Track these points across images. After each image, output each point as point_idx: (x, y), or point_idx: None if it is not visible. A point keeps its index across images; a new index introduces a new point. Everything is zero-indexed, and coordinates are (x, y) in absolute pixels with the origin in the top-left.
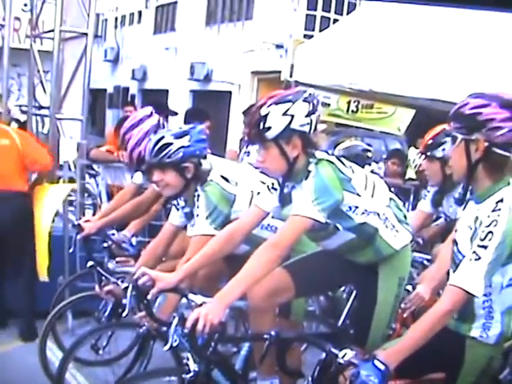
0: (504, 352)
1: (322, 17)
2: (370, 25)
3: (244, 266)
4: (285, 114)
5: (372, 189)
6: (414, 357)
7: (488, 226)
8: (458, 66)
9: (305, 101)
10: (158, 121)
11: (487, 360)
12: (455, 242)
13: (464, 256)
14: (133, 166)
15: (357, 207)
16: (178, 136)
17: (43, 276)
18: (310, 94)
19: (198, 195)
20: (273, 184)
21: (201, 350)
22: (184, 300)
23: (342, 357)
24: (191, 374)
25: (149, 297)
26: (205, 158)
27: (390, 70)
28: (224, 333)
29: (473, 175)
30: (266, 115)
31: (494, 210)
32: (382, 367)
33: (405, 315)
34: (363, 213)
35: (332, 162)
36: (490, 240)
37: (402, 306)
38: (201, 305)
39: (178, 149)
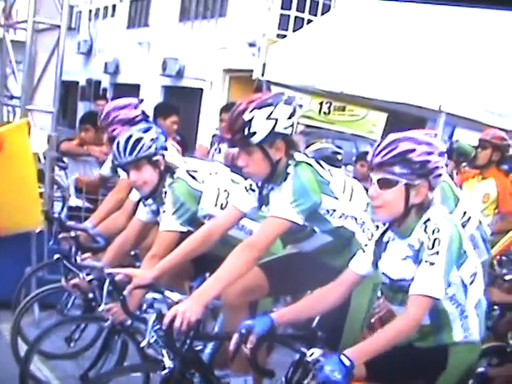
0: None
1: (296, 17)
2: (344, 27)
3: (221, 266)
4: (268, 117)
5: (350, 192)
6: (390, 363)
7: (433, 234)
8: (432, 70)
9: (286, 103)
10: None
11: (469, 365)
12: (385, 276)
13: (404, 280)
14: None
15: (334, 210)
16: (145, 130)
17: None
18: (289, 97)
19: (165, 192)
20: (251, 185)
21: (176, 347)
22: (150, 295)
23: (310, 355)
24: (166, 370)
25: (125, 292)
26: (166, 149)
27: (362, 72)
28: (199, 330)
29: (405, 218)
30: (250, 120)
31: (426, 226)
32: (348, 363)
33: (372, 320)
34: (340, 216)
35: (311, 165)
36: (439, 245)
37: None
38: (177, 302)
39: (150, 141)
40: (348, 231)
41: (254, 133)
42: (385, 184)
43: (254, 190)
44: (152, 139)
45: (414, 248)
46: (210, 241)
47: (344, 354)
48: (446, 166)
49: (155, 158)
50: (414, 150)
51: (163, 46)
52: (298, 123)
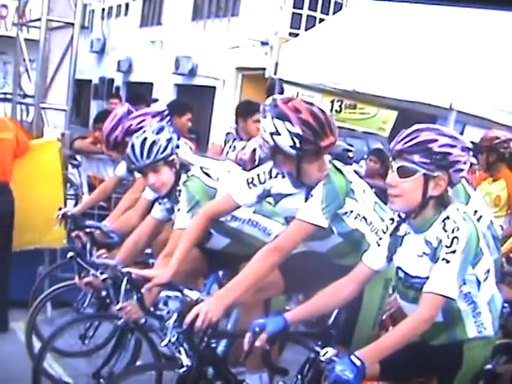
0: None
1: (308, 15)
2: (356, 25)
3: (245, 268)
4: None
5: (363, 193)
6: (404, 361)
7: (452, 233)
8: (443, 68)
9: None
10: (128, 107)
11: (483, 361)
12: (401, 270)
13: (418, 277)
14: (109, 149)
15: (352, 211)
16: (159, 131)
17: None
18: None
19: (180, 190)
20: (253, 179)
21: (195, 346)
22: (163, 293)
23: (324, 355)
24: (184, 368)
25: (143, 290)
26: (178, 147)
27: (373, 71)
28: (217, 328)
29: (422, 210)
30: None
31: (445, 224)
32: (358, 363)
33: (384, 317)
34: (356, 217)
35: (341, 171)
36: (456, 244)
37: None
38: (197, 300)
39: (166, 142)
40: (360, 233)
41: None
42: (404, 173)
43: (255, 186)
44: (167, 140)
45: (431, 245)
46: (208, 226)
47: (354, 354)
48: (471, 164)
49: (171, 158)
50: (435, 141)
51: (176, 45)
52: None
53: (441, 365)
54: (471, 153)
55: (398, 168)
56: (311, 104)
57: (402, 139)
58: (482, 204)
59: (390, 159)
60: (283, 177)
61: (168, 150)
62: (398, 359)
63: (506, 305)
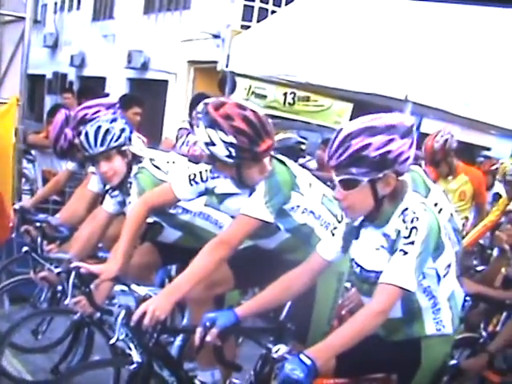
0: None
1: (260, 8)
2: (308, 16)
3: (192, 263)
4: None
5: (309, 187)
6: (360, 357)
7: (411, 223)
8: (398, 59)
9: None
10: (65, 113)
11: (443, 357)
12: (356, 263)
13: (373, 271)
14: (59, 157)
15: (298, 206)
16: (113, 120)
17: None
18: None
19: (131, 183)
20: (195, 176)
21: (144, 342)
22: (117, 287)
23: (276, 351)
24: (134, 365)
25: (92, 286)
26: (130, 140)
27: (327, 62)
28: (166, 325)
29: (378, 210)
30: None
31: (405, 216)
32: (309, 362)
33: (343, 312)
34: (303, 212)
35: (284, 163)
36: (415, 235)
37: (339, 302)
38: (144, 296)
39: (119, 131)
40: (308, 227)
41: None
42: (347, 185)
43: (197, 183)
44: (120, 129)
45: (390, 238)
46: (148, 214)
47: (304, 353)
48: (417, 147)
49: (124, 148)
50: (369, 145)
51: (128, 39)
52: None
53: (399, 362)
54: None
55: (340, 182)
56: (244, 108)
57: (334, 152)
58: (442, 197)
59: None
60: (226, 177)
61: (121, 139)
62: (355, 355)
63: (467, 298)
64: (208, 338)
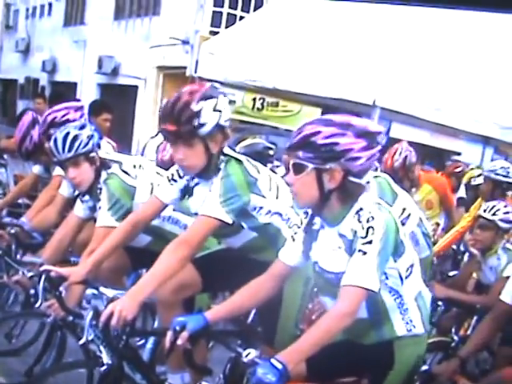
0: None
1: (229, 14)
2: (276, 22)
3: (155, 264)
4: (214, 109)
5: (276, 190)
6: (332, 361)
7: (367, 222)
8: (365, 65)
9: (224, 96)
10: (32, 115)
11: (416, 359)
12: (317, 266)
13: (333, 273)
14: (24, 159)
15: (261, 208)
16: (81, 127)
17: None
18: (223, 90)
19: (101, 188)
20: (172, 175)
21: (114, 344)
22: (89, 291)
23: (246, 356)
24: (105, 367)
25: (61, 289)
26: (99, 146)
27: (294, 68)
28: (134, 326)
29: (325, 203)
30: (200, 111)
31: (360, 216)
32: (280, 366)
33: (313, 317)
34: (267, 213)
35: (241, 162)
36: (372, 234)
37: (310, 307)
38: (112, 298)
39: (87, 138)
40: (274, 227)
41: (203, 124)
42: (297, 170)
43: (175, 181)
44: (88, 136)
45: (346, 238)
46: (134, 231)
47: (275, 358)
48: (381, 150)
49: (92, 155)
50: (318, 133)
51: (99, 44)
52: (232, 119)
53: (371, 365)
54: (380, 136)
55: (292, 166)
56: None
57: (291, 138)
58: (410, 202)
59: None
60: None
61: (89, 145)
62: (325, 359)
63: (440, 303)
64: (178, 342)
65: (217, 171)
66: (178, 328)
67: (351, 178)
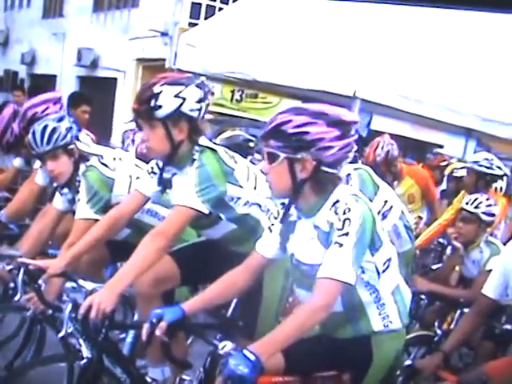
0: (405, 344)
1: (208, 5)
2: (255, 14)
3: (132, 255)
4: (177, 95)
5: (254, 180)
6: (310, 355)
7: (344, 214)
8: (346, 56)
9: (197, 87)
10: (14, 107)
11: (395, 354)
12: (294, 258)
13: (308, 264)
14: (5, 152)
15: (239, 198)
16: (60, 120)
17: None
18: (202, 82)
19: (79, 181)
20: (152, 168)
21: (93, 337)
22: (69, 284)
23: (222, 348)
24: (84, 360)
25: (40, 282)
26: (78, 138)
27: (274, 59)
28: (113, 319)
29: (298, 193)
30: (159, 93)
31: (336, 207)
32: (252, 357)
33: (294, 310)
34: (245, 204)
35: (216, 152)
36: (348, 226)
37: (290, 300)
38: (91, 291)
39: (66, 131)
40: (253, 218)
41: (160, 106)
42: (270, 158)
43: (155, 173)
44: (67, 128)
45: (321, 230)
46: (116, 226)
47: (248, 349)
48: (362, 142)
49: (71, 147)
50: (289, 122)
51: (78, 37)
52: (211, 112)
53: (350, 359)
54: (355, 126)
55: (266, 154)
56: None
57: (266, 124)
58: (391, 194)
59: None
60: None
61: (67, 138)
62: (303, 352)
63: (423, 297)
64: (156, 333)
65: (191, 162)
66: (155, 320)
67: (324, 168)
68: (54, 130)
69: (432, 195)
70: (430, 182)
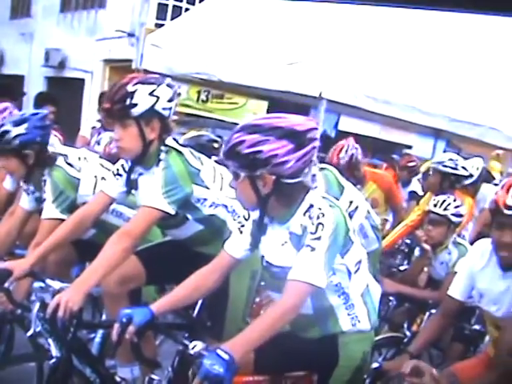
0: (373, 346)
1: (174, 6)
2: (221, 14)
3: (99, 255)
4: (151, 94)
5: (220, 181)
6: (278, 354)
7: (317, 219)
8: (312, 56)
9: (168, 86)
10: None
11: (362, 355)
12: (265, 260)
13: (280, 267)
14: None
15: (205, 199)
16: (17, 124)
17: None
18: (170, 82)
19: (45, 180)
20: (118, 170)
21: (62, 336)
22: (37, 284)
23: (192, 348)
24: (53, 360)
25: (6, 284)
26: (47, 144)
27: (239, 60)
28: (82, 319)
29: (266, 206)
30: (134, 92)
31: (310, 212)
32: (226, 356)
33: (262, 311)
34: (211, 205)
35: (181, 153)
36: (322, 230)
37: (257, 300)
38: (59, 290)
39: (15, 136)
40: (219, 219)
41: (135, 104)
42: (234, 176)
43: (121, 175)
44: (19, 134)
45: (295, 234)
46: (82, 226)
47: (221, 348)
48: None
49: (24, 152)
50: (242, 142)
51: (46, 37)
52: (177, 112)
53: (317, 359)
54: (312, 132)
55: (231, 172)
56: None
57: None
58: (357, 194)
59: None
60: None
61: (15, 142)
62: (273, 352)
63: (391, 298)
64: (126, 336)
65: (158, 162)
66: (124, 320)
67: (286, 181)
68: (5, 132)
69: (395, 199)
70: (393, 185)
